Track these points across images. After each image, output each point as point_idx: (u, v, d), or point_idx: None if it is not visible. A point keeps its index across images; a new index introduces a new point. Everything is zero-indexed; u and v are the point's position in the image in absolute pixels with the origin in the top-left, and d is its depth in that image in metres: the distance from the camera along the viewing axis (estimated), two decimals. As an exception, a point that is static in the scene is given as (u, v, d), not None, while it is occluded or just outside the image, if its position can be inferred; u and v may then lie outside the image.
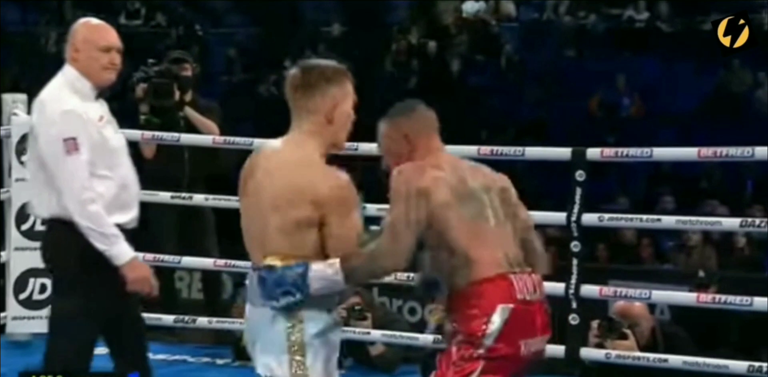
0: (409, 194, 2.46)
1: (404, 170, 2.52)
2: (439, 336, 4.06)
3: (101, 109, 3.15)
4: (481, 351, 2.42)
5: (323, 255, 2.37)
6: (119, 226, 3.04)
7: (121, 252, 3.01)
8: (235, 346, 4.49)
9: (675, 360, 3.84)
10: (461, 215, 2.47)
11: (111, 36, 3.18)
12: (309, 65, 2.50)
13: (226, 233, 4.35)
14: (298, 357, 2.33)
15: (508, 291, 2.46)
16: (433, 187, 2.48)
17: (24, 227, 4.48)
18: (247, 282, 2.49)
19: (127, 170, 3.15)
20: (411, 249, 2.44)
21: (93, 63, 3.13)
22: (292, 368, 2.34)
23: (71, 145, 3.02)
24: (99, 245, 2.99)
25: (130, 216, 3.11)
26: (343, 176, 2.42)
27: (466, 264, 2.46)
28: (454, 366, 2.44)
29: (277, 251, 2.36)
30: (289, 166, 2.40)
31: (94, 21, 3.23)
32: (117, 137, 3.17)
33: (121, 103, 4.53)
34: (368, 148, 3.66)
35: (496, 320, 2.43)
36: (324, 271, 2.35)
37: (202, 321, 4.47)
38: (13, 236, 4.48)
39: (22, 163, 4.45)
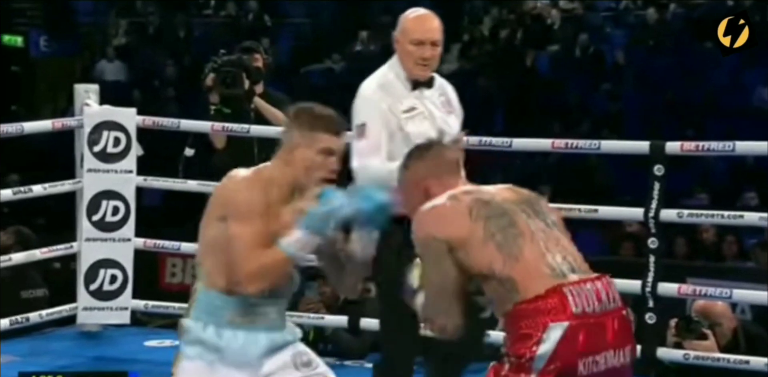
0: (429, 250, 2.31)
1: (416, 220, 2.35)
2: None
3: (415, 100, 3.14)
4: (532, 376, 2.21)
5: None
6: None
7: None
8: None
9: (757, 361, 3.72)
10: (490, 234, 2.28)
11: (425, 28, 3.11)
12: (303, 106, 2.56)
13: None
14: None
15: (561, 307, 2.22)
16: (446, 229, 2.30)
17: (95, 218, 4.47)
18: None
19: None
20: (459, 309, 2.31)
21: (406, 56, 3.13)
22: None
23: (360, 130, 3.11)
24: None
25: None
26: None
27: (512, 287, 2.27)
28: None
29: None
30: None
31: (417, 12, 3.17)
32: (426, 128, 3.10)
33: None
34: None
35: (548, 340, 2.20)
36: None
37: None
38: (85, 227, 4.48)
39: (94, 153, 4.47)
